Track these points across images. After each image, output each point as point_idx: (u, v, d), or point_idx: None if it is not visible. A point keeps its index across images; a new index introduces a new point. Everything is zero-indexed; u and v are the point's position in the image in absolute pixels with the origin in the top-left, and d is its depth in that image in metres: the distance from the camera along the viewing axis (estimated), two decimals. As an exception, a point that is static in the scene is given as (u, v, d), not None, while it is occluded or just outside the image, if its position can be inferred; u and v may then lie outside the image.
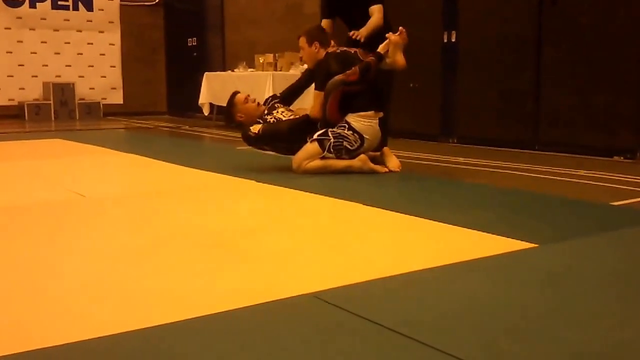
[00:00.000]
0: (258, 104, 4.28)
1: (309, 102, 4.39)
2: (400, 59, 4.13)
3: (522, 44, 5.54)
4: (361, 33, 4.30)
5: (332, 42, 4.30)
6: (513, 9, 5.61)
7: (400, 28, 4.11)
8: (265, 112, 4.21)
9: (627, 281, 1.97)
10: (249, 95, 4.30)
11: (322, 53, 4.20)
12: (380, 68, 4.09)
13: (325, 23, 4.66)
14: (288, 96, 4.48)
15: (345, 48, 4.24)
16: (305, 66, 4.76)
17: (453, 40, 6.16)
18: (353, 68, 4.02)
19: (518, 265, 2.12)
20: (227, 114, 4.32)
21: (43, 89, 9.74)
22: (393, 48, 4.09)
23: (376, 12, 4.44)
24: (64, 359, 1.40)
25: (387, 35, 4.12)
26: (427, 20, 6.33)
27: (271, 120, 4.13)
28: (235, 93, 4.33)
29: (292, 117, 4.18)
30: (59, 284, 1.92)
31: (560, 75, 5.28)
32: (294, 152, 4.08)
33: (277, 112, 4.21)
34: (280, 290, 1.83)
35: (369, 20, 4.41)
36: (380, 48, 4.12)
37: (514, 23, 5.61)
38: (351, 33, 4.32)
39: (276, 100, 4.39)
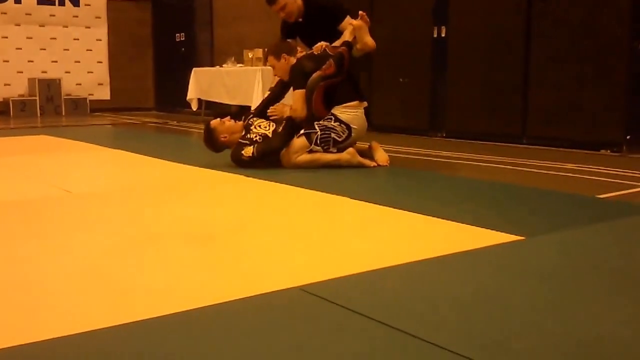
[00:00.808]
0: (235, 120, 4.19)
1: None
2: (369, 40, 4.17)
3: (511, 39, 5.56)
4: (327, 44, 4.27)
5: (299, 49, 4.29)
6: (502, 4, 5.62)
7: (360, 12, 4.15)
8: (244, 131, 4.12)
9: (613, 272, 1.98)
10: (221, 117, 4.20)
11: (293, 60, 4.20)
12: (352, 55, 4.12)
13: None
14: (264, 109, 4.38)
15: (311, 51, 4.26)
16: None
17: (443, 35, 6.17)
18: (328, 62, 4.04)
19: (505, 258, 2.13)
20: (210, 141, 4.16)
21: (29, 85, 9.66)
22: (359, 33, 4.12)
23: (349, 25, 4.42)
24: (51, 354, 1.39)
25: (350, 23, 4.15)
26: (417, 15, 6.34)
27: (255, 138, 4.05)
28: (208, 122, 4.23)
29: (272, 127, 4.09)
30: (45, 279, 1.91)
31: (548, 70, 5.30)
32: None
33: (256, 127, 4.11)
34: (267, 283, 1.82)
35: (344, 34, 4.37)
36: (347, 36, 4.15)
37: (503, 19, 5.62)
38: (316, 48, 4.21)
39: (251, 117, 4.30)
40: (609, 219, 2.70)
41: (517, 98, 5.53)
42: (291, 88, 4.26)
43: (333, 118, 4.04)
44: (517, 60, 5.50)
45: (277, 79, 4.47)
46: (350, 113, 4.06)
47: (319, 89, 4.02)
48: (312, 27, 4.45)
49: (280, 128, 4.05)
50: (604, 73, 4.92)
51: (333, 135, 4.01)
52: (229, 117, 4.22)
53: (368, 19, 4.16)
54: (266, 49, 4.36)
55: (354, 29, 4.12)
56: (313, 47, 4.27)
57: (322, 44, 4.25)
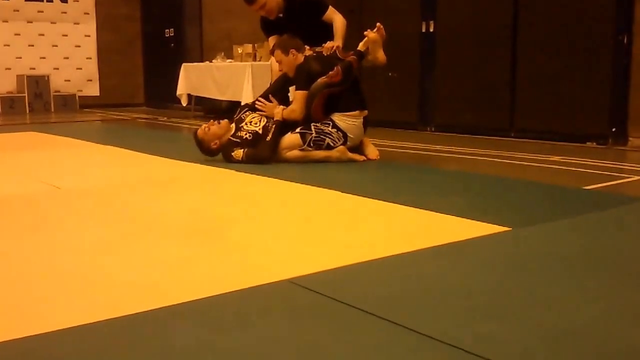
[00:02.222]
0: (219, 122, 4.13)
1: None
2: (381, 55, 4.15)
3: (498, 33, 5.59)
4: (337, 43, 4.26)
5: (307, 48, 4.26)
6: (489, -1, 5.66)
7: (378, 24, 4.11)
8: (234, 128, 4.10)
9: (600, 262, 2.01)
10: (205, 124, 4.17)
11: (301, 58, 4.18)
12: (361, 66, 4.11)
13: (274, 40, 4.53)
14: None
15: (320, 50, 4.24)
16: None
17: (431, 30, 6.19)
18: (335, 69, 4.02)
19: (492, 249, 2.15)
20: (203, 150, 4.13)
21: (17, 82, 9.59)
22: (372, 46, 4.10)
23: (335, 15, 4.40)
24: (42, 348, 1.40)
25: (365, 33, 4.12)
26: (405, 10, 6.36)
27: (245, 135, 4.03)
28: (194, 133, 4.18)
29: (263, 122, 4.08)
30: (35, 274, 1.91)
31: (535, 64, 5.34)
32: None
33: (247, 123, 4.10)
34: (257, 276, 1.84)
35: (335, 26, 4.36)
36: (360, 46, 4.13)
37: (491, 13, 5.65)
38: (326, 48, 4.22)
39: (245, 110, 4.29)
40: (596, 210, 2.74)
41: (505, 92, 5.57)
42: (293, 84, 4.23)
43: (331, 124, 4.03)
44: (504, 55, 5.54)
45: (279, 73, 4.40)
46: (349, 122, 4.05)
47: (321, 95, 4.00)
48: (294, 21, 4.43)
49: (270, 135, 4.01)
50: (590, 66, 4.96)
51: (328, 140, 4.01)
52: (212, 121, 4.16)
53: (384, 32, 4.11)
54: (274, 49, 4.28)
55: (368, 40, 4.09)
56: (323, 47, 4.23)
57: (332, 44, 4.23)
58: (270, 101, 4.21)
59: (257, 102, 4.28)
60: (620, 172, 3.74)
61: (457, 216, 2.56)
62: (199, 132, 4.16)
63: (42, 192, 3.22)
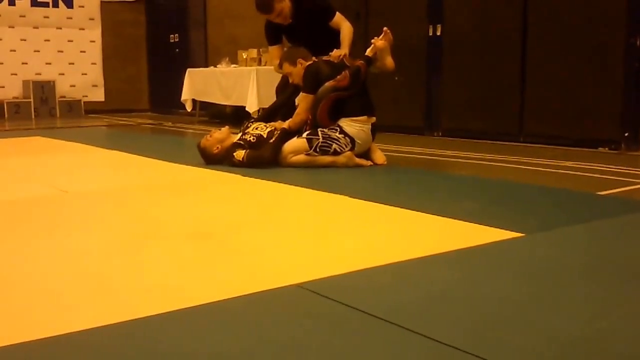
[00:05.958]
0: (219, 128, 4.15)
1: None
2: (389, 62, 4.13)
3: (507, 37, 5.55)
4: (344, 52, 4.23)
5: (313, 58, 4.22)
6: (498, 2, 5.61)
7: (384, 28, 4.08)
8: (240, 133, 4.11)
9: (614, 269, 1.96)
10: (207, 134, 4.17)
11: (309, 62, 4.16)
12: (369, 72, 4.09)
13: (275, 50, 4.55)
14: (269, 116, 4.36)
15: (327, 59, 4.21)
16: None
17: (438, 34, 6.16)
18: (343, 73, 3.99)
19: (505, 255, 2.11)
20: (207, 158, 4.09)
21: (23, 87, 9.61)
22: (380, 53, 4.07)
23: (342, 22, 4.39)
24: (52, 352, 1.37)
25: (372, 41, 4.10)
26: (412, 13, 6.33)
27: (249, 138, 4.01)
28: (198, 144, 4.16)
29: (270, 127, 4.08)
30: (43, 278, 1.88)
31: (545, 68, 5.29)
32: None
33: (252, 129, 4.09)
34: (265, 281, 1.80)
35: (342, 34, 4.34)
36: (368, 52, 4.10)
37: (499, 16, 5.61)
38: (333, 57, 4.19)
39: (252, 120, 4.30)
40: (610, 216, 2.69)
41: (514, 96, 5.52)
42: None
43: (339, 129, 3.98)
44: (513, 58, 5.49)
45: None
46: (357, 127, 4.00)
47: (328, 99, 3.96)
48: (302, 26, 4.41)
49: (274, 137, 4.00)
50: (601, 70, 4.91)
51: (335, 146, 3.96)
52: (213, 130, 4.18)
53: (391, 37, 4.09)
54: (282, 62, 4.29)
55: (375, 47, 4.06)
56: (330, 55, 4.20)
57: (340, 53, 4.20)
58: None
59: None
60: (634, 178, 3.67)
61: (469, 222, 2.51)
62: (202, 140, 4.17)
63: (50, 196, 3.20)
